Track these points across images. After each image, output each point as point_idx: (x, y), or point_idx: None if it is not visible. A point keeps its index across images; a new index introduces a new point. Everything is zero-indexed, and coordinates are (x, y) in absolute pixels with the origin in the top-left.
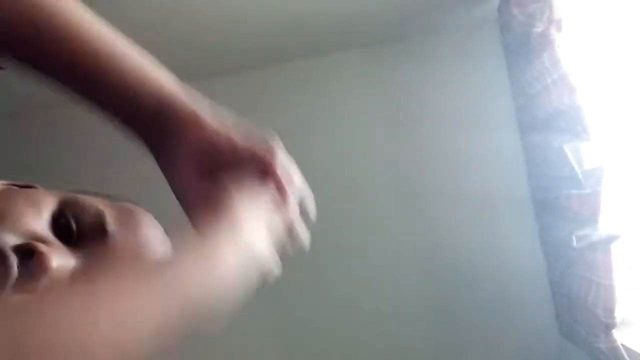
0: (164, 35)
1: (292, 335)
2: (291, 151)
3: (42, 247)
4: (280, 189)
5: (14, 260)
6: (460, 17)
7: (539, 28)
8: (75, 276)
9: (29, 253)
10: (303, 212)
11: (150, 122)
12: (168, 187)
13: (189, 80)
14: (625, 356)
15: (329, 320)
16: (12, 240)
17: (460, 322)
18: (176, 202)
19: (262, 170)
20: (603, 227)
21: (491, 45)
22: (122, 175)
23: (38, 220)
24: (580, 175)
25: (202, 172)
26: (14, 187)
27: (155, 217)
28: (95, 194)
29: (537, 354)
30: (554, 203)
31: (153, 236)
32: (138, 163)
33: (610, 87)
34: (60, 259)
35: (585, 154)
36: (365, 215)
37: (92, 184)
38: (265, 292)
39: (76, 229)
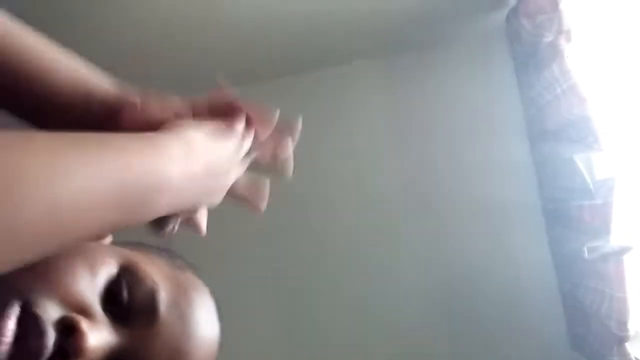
0: (176, 44)
1: (301, 340)
2: (301, 160)
3: (83, 326)
4: (250, 124)
5: (51, 338)
6: (468, 27)
7: (548, 38)
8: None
9: (69, 329)
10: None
11: (84, 117)
12: None
13: (201, 90)
14: None
15: (337, 326)
16: (55, 313)
17: (470, 334)
18: None
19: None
20: (615, 239)
21: (500, 55)
22: None
23: (90, 287)
24: (591, 186)
25: None
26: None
27: None
28: (164, 257)
29: None
30: (565, 214)
31: (202, 322)
32: None
33: (621, 97)
34: (99, 338)
35: (596, 165)
36: (376, 223)
37: None
38: (274, 296)
39: (127, 302)
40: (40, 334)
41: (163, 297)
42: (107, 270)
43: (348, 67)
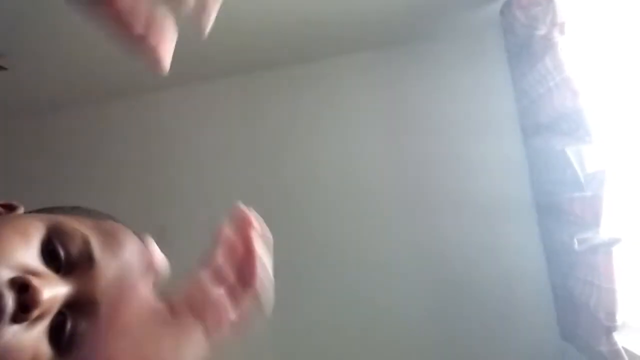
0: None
1: (295, 340)
2: (295, 154)
3: (34, 281)
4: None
5: (9, 297)
6: (463, 20)
7: (541, 31)
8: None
9: (23, 287)
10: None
11: None
12: (174, 177)
13: (196, 82)
14: (627, 359)
15: (330, 325)
16: (5, 274)
17: (462, 325)
18: (179, 198)
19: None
20: (605, 231)
21: (494, 48)
22: (125, 175)
23: (28, 251)
24: (582, 179)
25: None
26: None
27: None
28: (77, 213)
29: (539, 357)
30: (556, 206)
31: (133, 256)
32: (142, 163)
33: (613, 90)
34: (52, 290)
35: (587, 157)
36: (367, 217)
37: (99, 188)
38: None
39: (64, 257)
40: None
41: (94, 243)
42: (37, 233)
43: (341, 60)
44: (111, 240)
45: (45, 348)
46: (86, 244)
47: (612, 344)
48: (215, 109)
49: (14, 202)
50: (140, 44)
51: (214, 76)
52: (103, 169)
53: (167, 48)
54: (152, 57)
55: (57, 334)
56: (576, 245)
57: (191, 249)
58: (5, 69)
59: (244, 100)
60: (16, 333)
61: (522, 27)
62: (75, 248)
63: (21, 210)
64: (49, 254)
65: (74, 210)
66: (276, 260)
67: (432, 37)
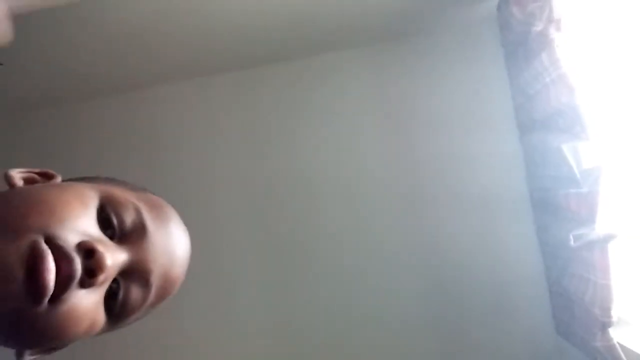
0: (166, 33)
1: (289, 338)
2: (288, 150)
3: (100, 247)
4: None
5: (78, 262)
6: (459, 15)
7: (538, 27)
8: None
9: (89, 252)
10: None
11: None
12: (175, 181)
13: (191, 77)
14: (622, 355)
15: (325, 323)
16: (73, 238)
17: (458, 321)
18: (184, 194)
19: None
20: (600, 227)
21: (490, 44)
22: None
23: (89, 218)
24: (578, 175)
25: None
26: (34, 174)
27: None
28: (116, 184)
29: (534, 352)
30: (552, 202)
31: (178, 227)
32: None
33: (609, 87)
34: (114, 257)
35: (583, 154)
36: (362, 214)
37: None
38: (263, 295)
39: (118, 226)
40: (69, 260)
41: (146, 214)
42: (93, 202)
43: (336, 55)
44: (159, 212)
45: (102, 314)
46: (139, 213)
47: (607, 339)
48: (214, 105)
49: (51, 171)
50: None
51: (213, 71)
52: (101, 166)
53: None
54: None
55: (110, 301)
56: (572, 241)
57: (191, 244)
58: (1, 64)
59: (234, 96)
60: (81, 297)
61: (519, 23)
62: (128, 217)
63: (59, 179)
64: (102, 222)
65: (111, 181)
66: (273, 256)
67: (429, 33)
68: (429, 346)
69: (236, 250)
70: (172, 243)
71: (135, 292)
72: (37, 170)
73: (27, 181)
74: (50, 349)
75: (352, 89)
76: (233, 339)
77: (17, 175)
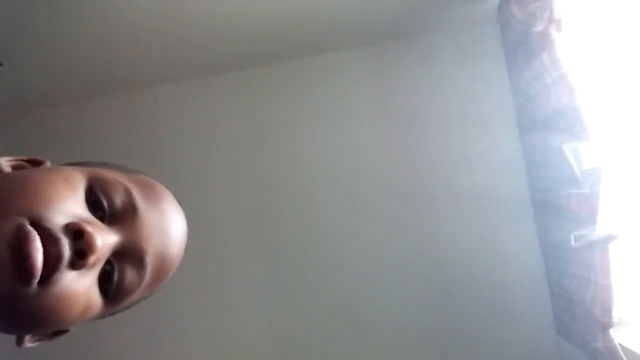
0: (166, 33)
1: (289, 338)
2: (289, 149)
3: (88, 228)
4: None
5: (65, 243)
6: (460, 15)
7: (539, 27)
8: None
9: (77, 233)
10: None
11: None
12: (175, 180)
13: (191, 77)
14: (622, 356)
15: (325, 323)
16: (60, 219)
17: (458, 321)
18: (184, 194)
19: None
20: (601, 227)
21: (491, 44)
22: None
23: (77, 200)
24: (579, 175)
25: None
26: (23, 162)
27: None
28: (108, 166)
29: (535, 353)
30: (552, 203)
31: (171, 206)
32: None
33: (610, 87)
34: (103, 237)
35: (584, 154)
36: (362, 214)
37: None
38: (263, 296)
39: (108, 207)
40: (55, 240)
41: (136, 194)
42: (81, 183)
43: (337, 55)
44: (150, 192)
45: (96, 296)
46: (128, 194)
47: (608, 340)
48: (214, 104)
49: (40, 158)
50: None
51: (213, 71)
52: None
53: None
54: None
55: (105, 283)
56: (573, 242)
57: (192, 244)
58: (1, 64)
59: (242, 95)
60: (72, 279)
61: (520, 23)
62: (118, 198)
63: (48, 164)
64: (91, 204)
65: (102, 165)
66: (273, 256)
67: (429, 33)
68: (430, 346)
69: (236, 250)
70: (165, 222)
71: (130, 273)
72: (25, 157)
73: (15, 169)
74: (50, 335)
75: (352, 89)
76: (233, 339)
77: (5, 163)
